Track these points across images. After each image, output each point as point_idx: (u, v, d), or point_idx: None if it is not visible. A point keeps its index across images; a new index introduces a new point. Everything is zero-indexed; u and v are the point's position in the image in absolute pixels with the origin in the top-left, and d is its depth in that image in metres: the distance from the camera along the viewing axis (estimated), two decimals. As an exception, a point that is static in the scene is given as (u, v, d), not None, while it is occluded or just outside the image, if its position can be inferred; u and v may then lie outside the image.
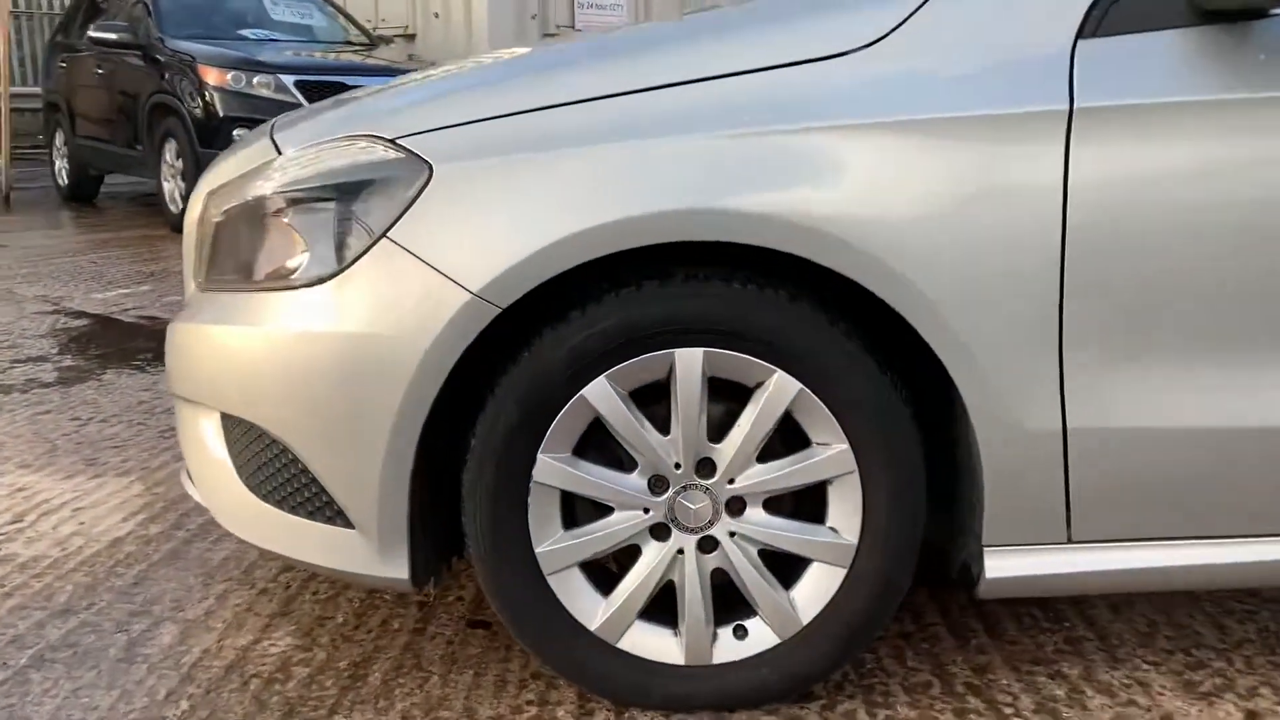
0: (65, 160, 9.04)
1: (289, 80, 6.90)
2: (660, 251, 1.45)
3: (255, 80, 6.86)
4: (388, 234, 1.46)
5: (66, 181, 9.07)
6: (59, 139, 9.11)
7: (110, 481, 2.55)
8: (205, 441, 1.72)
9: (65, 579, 2.03)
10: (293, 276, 1.55)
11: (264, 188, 1.60)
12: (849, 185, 1.40)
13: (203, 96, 6.85)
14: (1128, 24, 1.42)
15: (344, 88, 6.97)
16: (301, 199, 1.55)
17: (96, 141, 8.42)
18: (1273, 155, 1.39)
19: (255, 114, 6.77)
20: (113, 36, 7.61)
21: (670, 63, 1.49)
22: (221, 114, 6.79)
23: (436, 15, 9.68)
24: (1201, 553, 1.53)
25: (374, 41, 8.58)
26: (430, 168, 1.46)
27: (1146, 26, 1.42)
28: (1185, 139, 1.39)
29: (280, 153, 1.63)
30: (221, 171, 1.76)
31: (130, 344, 4.02)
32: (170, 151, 7.18)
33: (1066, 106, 1.38)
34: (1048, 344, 1.42)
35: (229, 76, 6.85)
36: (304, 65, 7.17)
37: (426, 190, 1.46)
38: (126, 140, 7.89)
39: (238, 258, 1.65)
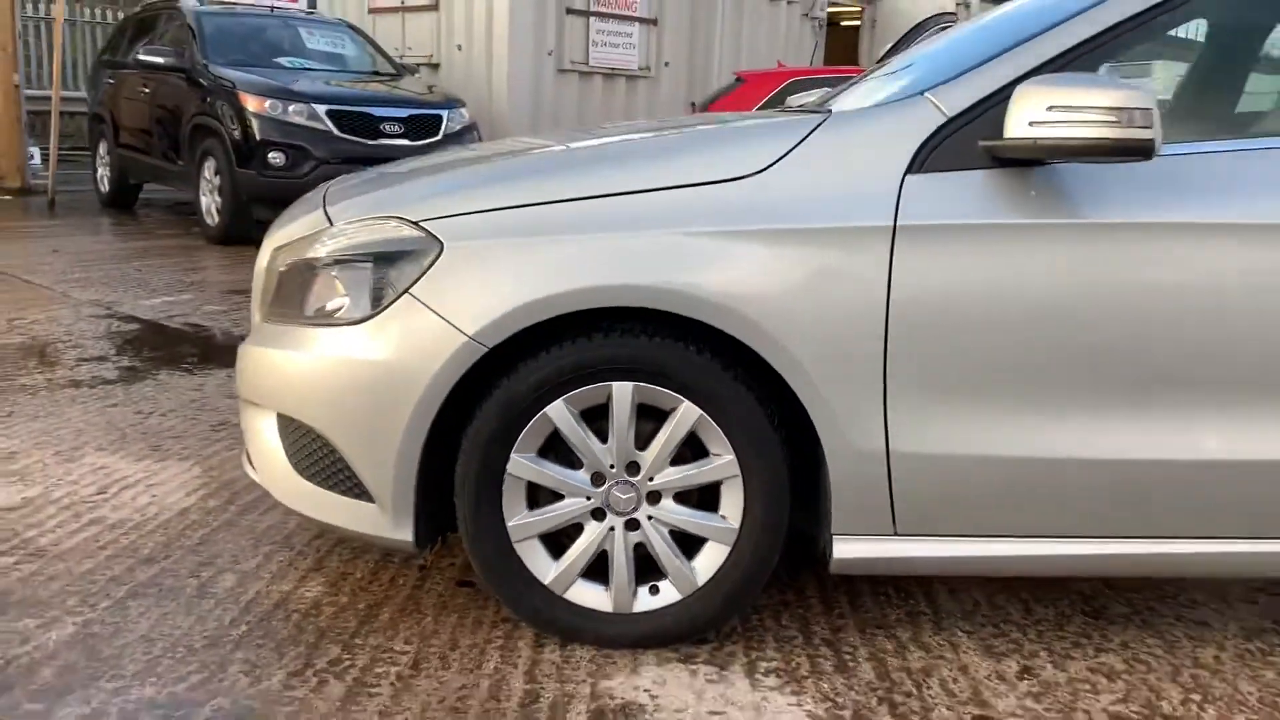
0: (107, 169, 9.70)
1: (321, 109, 7.53)
2: (603, 311, 2.03)
3: (290, 108, 7.48)
4: (409, 290, 2.05)
5: (107, 189, 9.73)
6: (102, 149, 9.76)
7: (173, 464, 3.14)
8: (264, 434, 2.30)
9: (146, 538, 2.61)
10: (336, 316, 2.13)
11: (318, 251, 2.18)
12: (737, 269, 1.98)
13: (242, 120, 7.48)
14: (944, 165, 1.99)
15: (370, 118, 7.64)
16: (347, 261, 2.14)
17: (138, 153, 9.07)
18: (1041, 263, 1.96)
19: (289, 139, 7.43)
20: (160, 60, 8.25)
21: (613, 178, 2.07)
22: (258, 137, 7.41)
23: (459, 48, 10.32)
24: (997, 548, 2.09)
25: (399, 71, 9.21)
26: (442, 245, 2.04)
27: (957, 167, 1.99)
28: (979, 248, 1.96)
29: (331, 223, 2.22)
30: (286, 231, 2.34)
31: (178, 349, 4.61)
32: (209, 169, 7.81)
33: (891, 223, 1.96)
34: (875, 390, 1.99)
35: (266, 104, 7.48)
36: (335, 95, 7.79)
37: (439, 261, 2.04)
38: (167, 154, 8.52)
39: (294, 299, 2.23)
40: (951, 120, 2.00)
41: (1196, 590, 2.51)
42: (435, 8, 10.45)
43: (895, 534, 2.09)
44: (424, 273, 2.04)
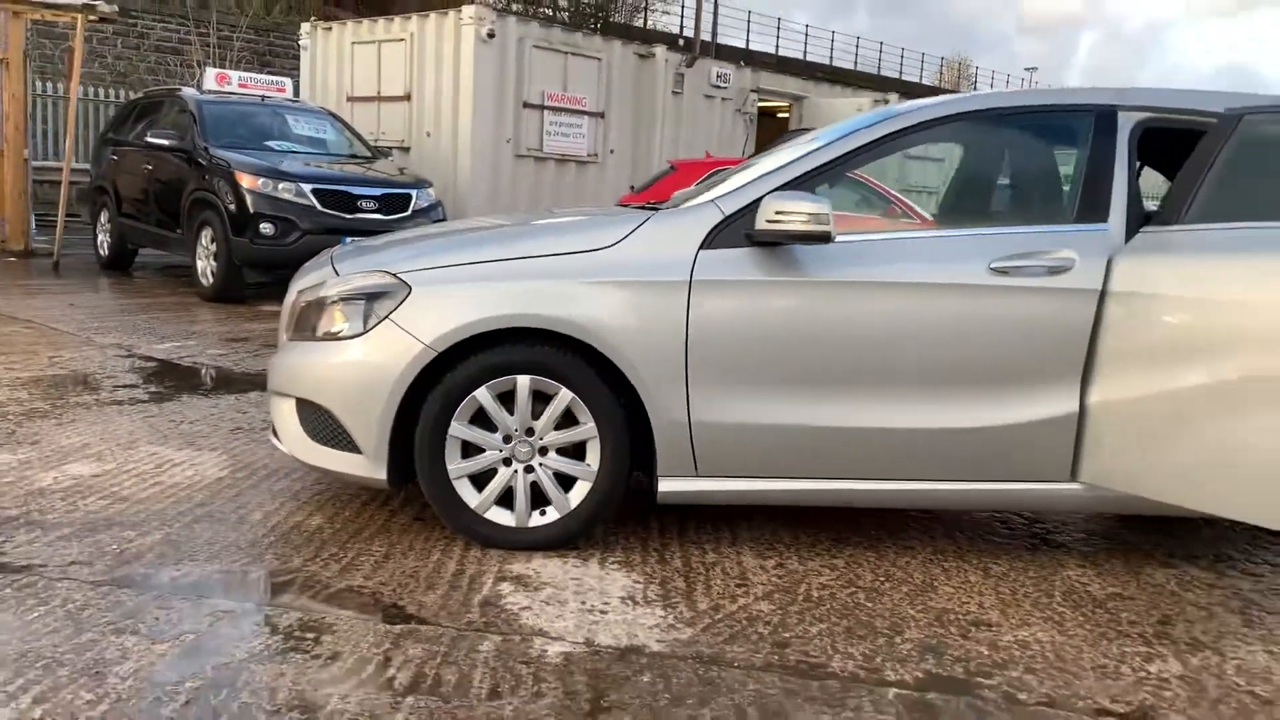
0: (108, 235, 10.82)
1: (307, 187, 8.75)
2: (513, 330, 3.22)
3: (280, 186, 8.69)
4: (389, 317, 3.23)
5: (107, 253, 10.85)
6: (104, 217, 10.90)
7: (207, 453, 4.27)
8: (288, 414, 3.46)
9: (197, 492, 3.74)
10: (339, 334, 3.31)
11: (329, 292, 3.37)
12: (595, 305, 3.18)
13: (237, 196, 8.67)
14: (722, 244, 3.23)
15: (349, 195, 8.86)
16: (347, 298, 3.33)
17: (138, 222, 10.22)
18: (777, 302, 3.18)
19: (278, 212, 8.63)
20: (165, 141, 9.47)
21: (522, 248, 3.28)
22: (252, 210, 8.60)
23: (429, 134, 11.63)
24: (763, 485, 3.29)
25: (374, 154, 10.47)
26: (411, 288, 3.24)
27: (730, 245, 3.23)
28: (742, 294, 3.19)
29: (338, 274, 3.41)
30: (306, 280, 3.53)
31: (192, 380, 5.74)
32: (206, 237, 8.97)
33: (688, 279, 3.18)
34: (680, 381, 3.20)
35: (259, 182, 8.68)
36: (319, 175, 9.02)
37: (409, 298, 3.23)
38: (166, 224, 9.68)
39: (310, 324, 3.41)
40: (727, 218, 3.25)
41: (915, 528, 3.71)
42: (407, 98, 11.79)
43: (697, 474, 3.28)
44: (399, 305, 3.24)
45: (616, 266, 3.23)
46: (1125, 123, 3.35)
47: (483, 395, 3.23)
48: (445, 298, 3.23)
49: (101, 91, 17.15)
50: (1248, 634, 2.98)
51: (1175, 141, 3.47)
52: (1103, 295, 3.17)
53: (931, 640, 2.82)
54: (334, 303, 3.36)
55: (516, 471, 3.29)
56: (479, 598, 2.94)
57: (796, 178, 3.28)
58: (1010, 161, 3.57)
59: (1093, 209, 3.28)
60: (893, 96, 16.52)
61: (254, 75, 11.16)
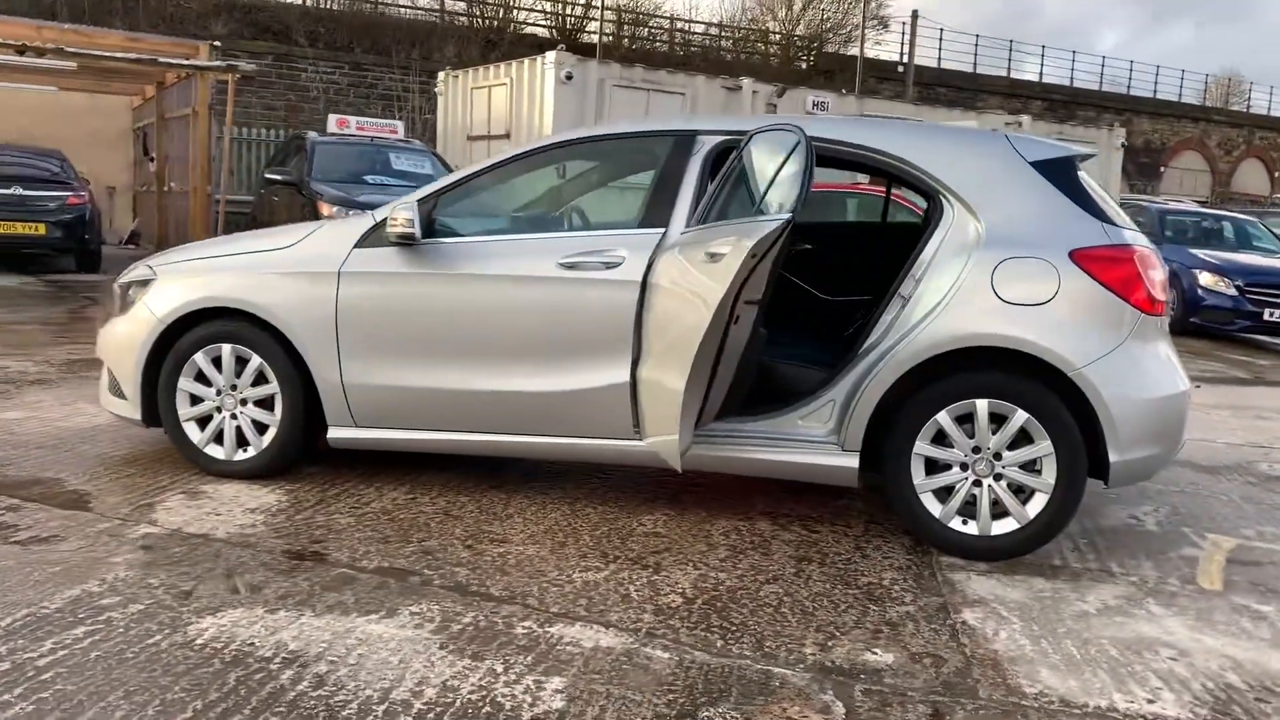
0: (255, 257, 12.81)
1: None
2: (219, 309, 4.26)
3: (350, 213, 10.18)
4: (142, 299, 4.37)
5: (254, 272, 12.84)
6: (254, 242, 12.91)
7: (115, 410, 5.58)
8: (103, 372, 4.67)
9: (51, 432, 5.02)
10: (119, 312, 4.49)
11: (120, 281, 4.56)
12: (273, 292, 4.18)
13: (318, 220, 10.24)
14: (370, 244, 4.14)
15: (407, 220, 10.16)
16: (125, 286, 4.50)
17: (271, 245, 12.08)
18: (401, 288, 4.05)
19: (347, 235, 10.08)
20: (280, 178, 11.26)
21: (234, 247, 4.34)
22: (326, 234, 10.13)
23: (521, 166, 12.93)
24: (405, 434, 4.15)
25: (462, 185, 11.85)
26: (156, 276, 4.36)
27: (376, 245, 4.13)
28: (374, 283, 4.09)
29: (133, 269, 4.60)
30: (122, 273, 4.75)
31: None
32: (298, 256, 10.61)
33: (338, 270, 4.11)
34: (334, 351, 4.13)
35: (334, 209, 10.22)
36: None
37: (154, 284, 4.36)
38: (283, 246, 11.45)
39: (114, 305, 4.61)
40: (377, 223, 4.16)
41: (546, 480, 4.41)
42: (507, 136, 13.18)
43: (355, 425, 4.19)
44: (147, 290, 4.37)
45: (291, 261, 4.22)
46: (701, 146, 3.98)
47: (200, 359, 4.30)
48: (173, 285, 4.33)
49: (261, 131, 19.76)
50: (710, 559, 3.54)
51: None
52: (644, 285, 3.81)
53: (436, 547, 3.61)
54: (121, 288, 4.54)
55: (224, 417, 4.32)
56: (147, 501, 4.00)
57: (427, 195, 4.15)
58: (599, 179, 4.25)
59: (657, 216, 3.92)
60: (1025, 119, 16.28)
61: (371, 119, 12.89)
